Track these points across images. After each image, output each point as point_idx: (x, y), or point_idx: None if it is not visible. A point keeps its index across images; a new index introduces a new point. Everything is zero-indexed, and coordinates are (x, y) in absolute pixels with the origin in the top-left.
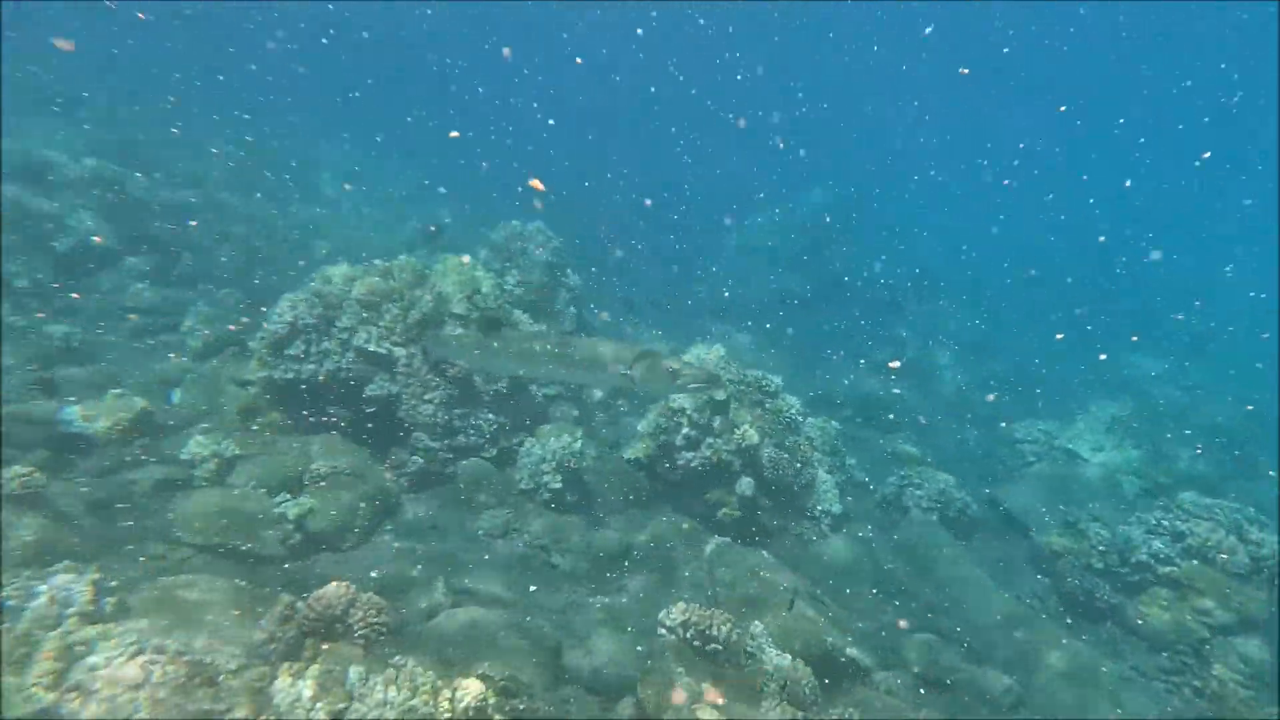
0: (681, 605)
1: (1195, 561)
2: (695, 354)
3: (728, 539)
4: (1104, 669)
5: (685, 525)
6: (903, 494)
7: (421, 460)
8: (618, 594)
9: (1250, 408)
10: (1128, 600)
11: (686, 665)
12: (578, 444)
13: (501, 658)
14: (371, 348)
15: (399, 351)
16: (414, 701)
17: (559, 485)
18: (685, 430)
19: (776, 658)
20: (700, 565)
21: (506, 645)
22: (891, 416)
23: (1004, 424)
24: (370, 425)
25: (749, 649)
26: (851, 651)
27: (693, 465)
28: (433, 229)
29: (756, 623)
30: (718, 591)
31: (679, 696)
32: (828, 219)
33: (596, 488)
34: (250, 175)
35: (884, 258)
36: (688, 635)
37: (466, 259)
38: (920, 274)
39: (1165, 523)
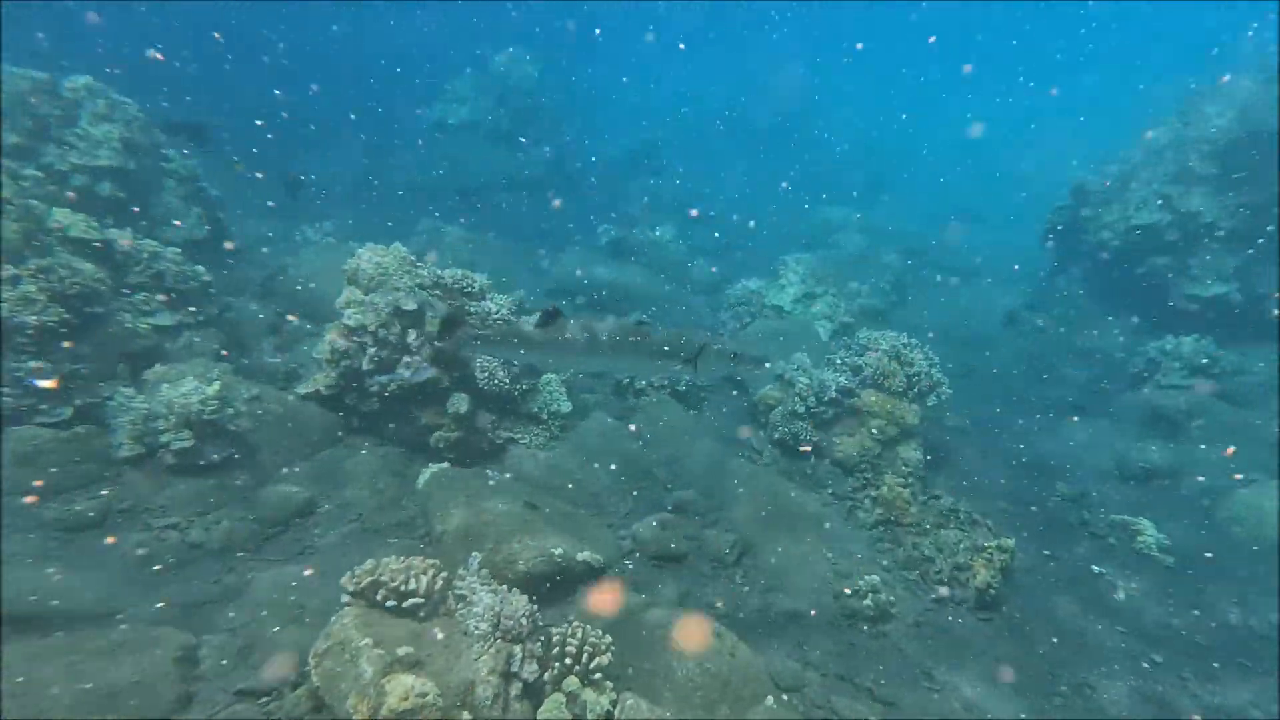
0: (369, 563)
1: (870, 389)
2: (367, 256)
3: (446, 464)
4: (808, 504)
5: (392, 459)
6: (635, 376)
7: None
8: (294, 561)
9: (911, 254)
10: (826, 435)
11: (376, 633)
12: (214, 387)
13: (88, 693)
14: None
15: None
16: None
17: (189, 444)
18: (372, 351)
19: (487, 595)
20: (412, 501)
21: (96, 671)
22: (624, 301)
23: (725, 289)
24: None
25: (459, 591)
26: (583, 555)
27: (391, 390)
28: None
29: (475, 554)
30: (433, 528)
31: (366, 671)
32: (536, 89)
33: (262, 436)
34: None
35: (607, 136)
36: (378, 597)
37: None
38: (644, 147)
39: (847, 360)
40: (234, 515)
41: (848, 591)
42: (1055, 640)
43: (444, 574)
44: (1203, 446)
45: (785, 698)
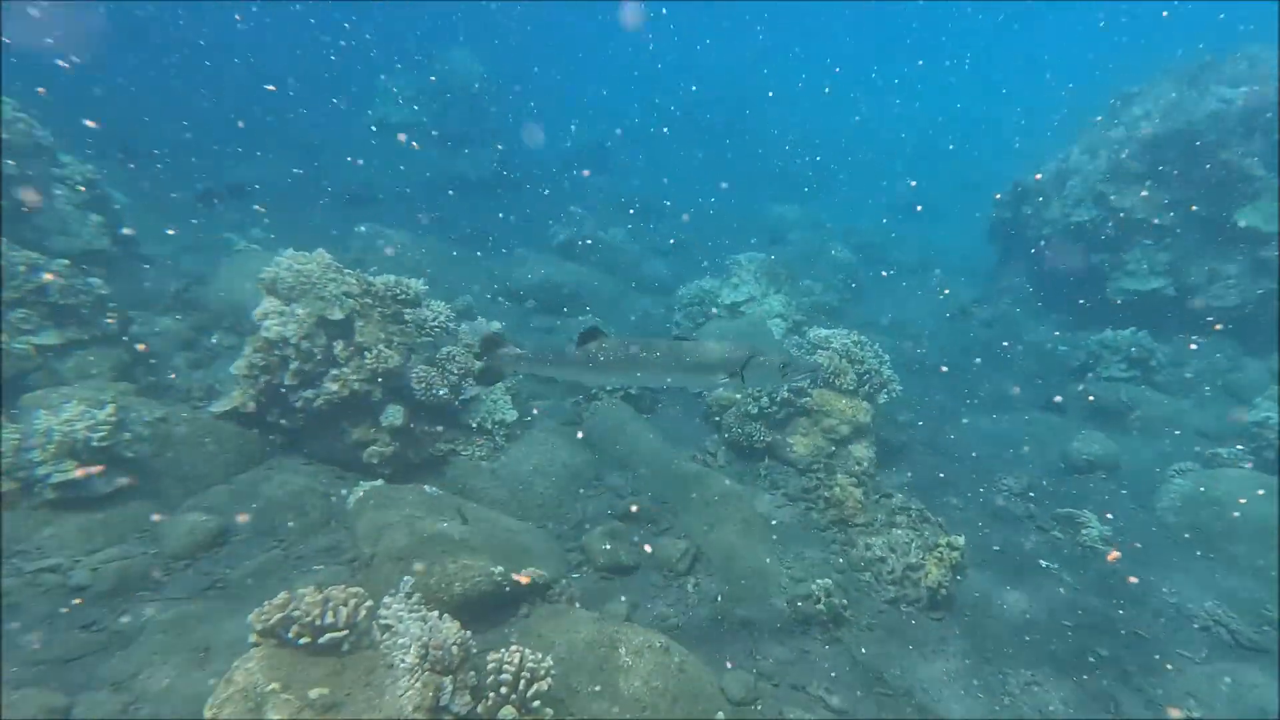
0: (281, 596)
1: (822, 388)
2: (286, 263)
3: (380, 481)
4: (762, 507)
5: (320, 478)
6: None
7: None
8: (201, 598)
9: (856, 247)
10: (779, 435)
11: (287, 675)
12: (106, 411)
13: None
14: None
15: None
16: None
17: (71, 476)
18: (295, 365)
19: (414, 624)
20: (342, 523)
21: None
22: (572, 303)
23: (677, 288)
24: None
25: (384, 621)
26: (527, 571)
27: (317, 405)
28: None
29: (407, 578)
30: (363, 551)
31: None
32: (477, 86)
33: (168, 462)
34: None
35: (558, 135)
36: (291, 634)
37: None
38: (595, 147)
39: None
40: (130, 551)
41: (801, 597)
42: (1005, 638)
43: (368, 603)
44: (1141, 436)
45: (735, 711)
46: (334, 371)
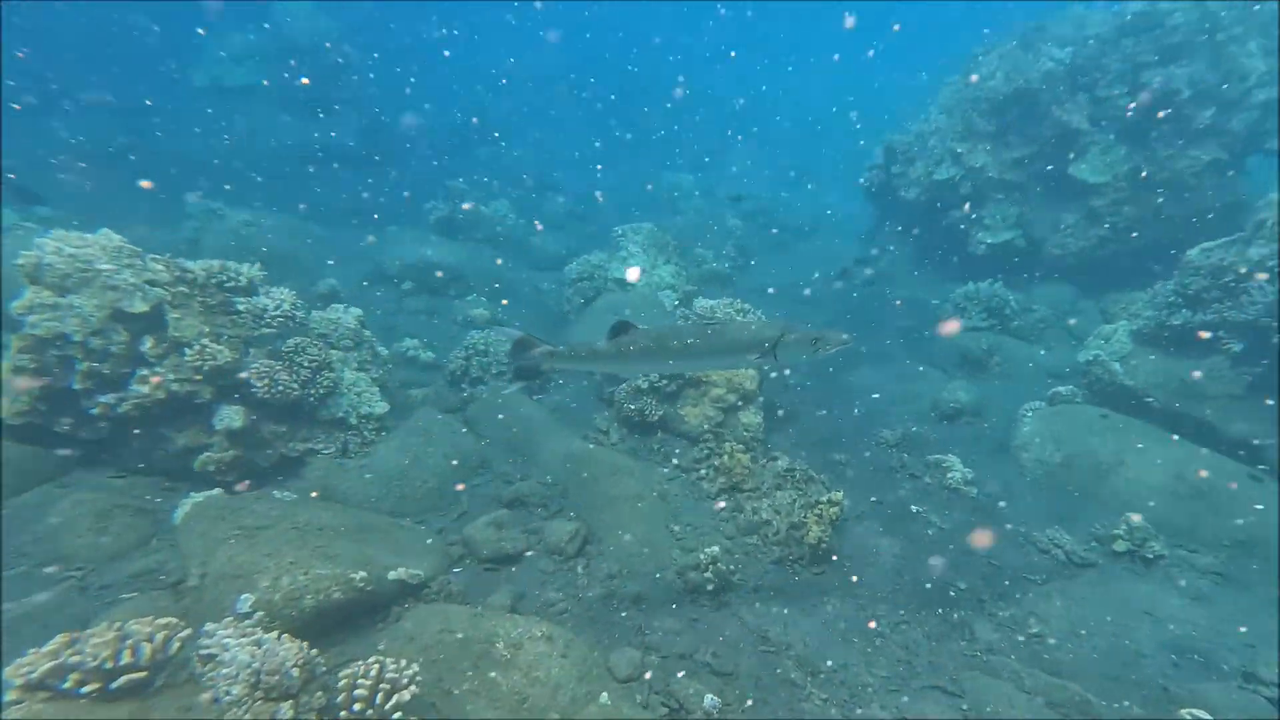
0: (55, 641)
1: None
2: (53, 246)
3: (217, 491)
4: (654, 480)
5: (135, 493)
6: (470, 364)
7: None
8: None
9: (737, 222)
10: (671, 408)
11: None
12: None
13: None
14: None
15: None
16: None
17: None
18: (85, 366)
19: (243, 650)
20: (166, 542)
21: None
22: (454, 281)
23: (566, 265)
24: None
25: (205, 651)
26: (396, 574)
27: (123, 411)
28: None
29: (246, 596)
30: (189, 572)
31: None
32: (329, 45)
33: None
34: None
35: (428, 106)
36: (69, 684)
37: None
38: (475, 115)
39: None
40: None
41: (690, 567)
42: (879, 583)
43: (183, 634)
44: (1001, 381)
45: (622, 689)
46: (143, 372)
